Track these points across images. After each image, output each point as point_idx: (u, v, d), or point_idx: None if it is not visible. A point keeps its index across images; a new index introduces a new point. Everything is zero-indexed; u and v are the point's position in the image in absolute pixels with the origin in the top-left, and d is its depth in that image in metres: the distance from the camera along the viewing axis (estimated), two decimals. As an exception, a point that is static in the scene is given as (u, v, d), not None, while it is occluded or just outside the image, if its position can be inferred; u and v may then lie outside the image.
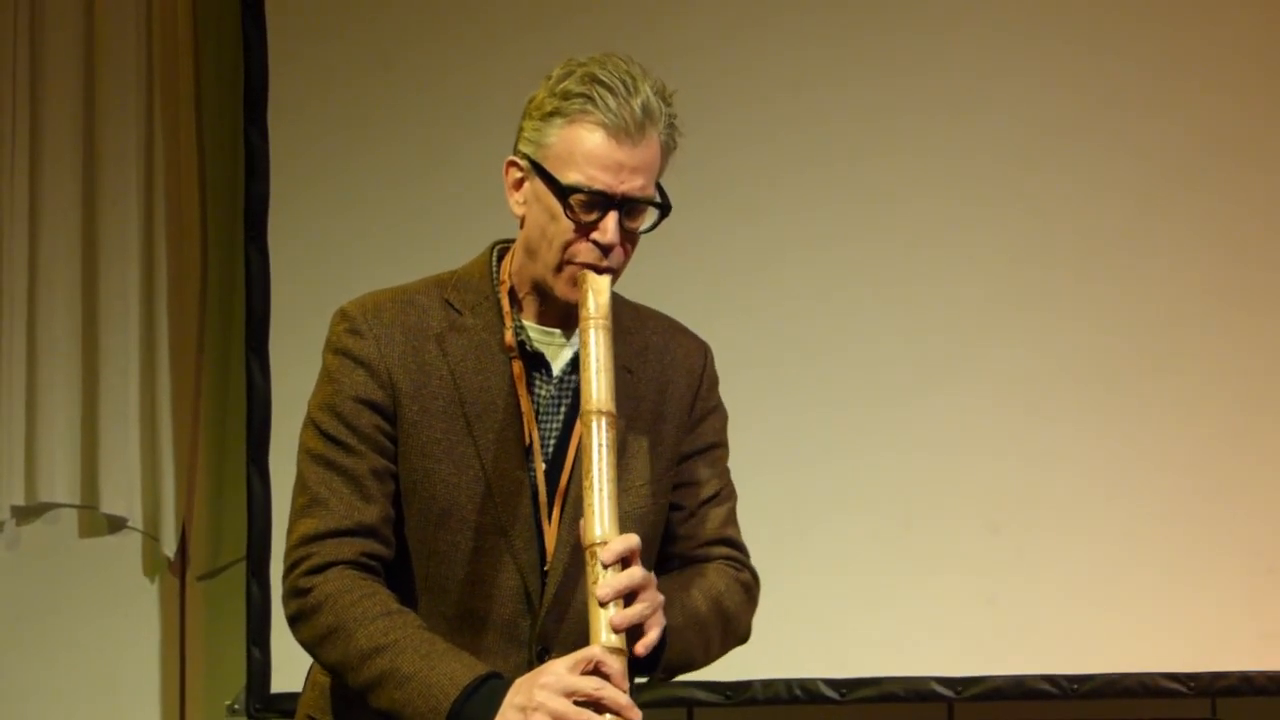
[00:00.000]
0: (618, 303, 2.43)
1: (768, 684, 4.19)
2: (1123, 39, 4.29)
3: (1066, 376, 4.25)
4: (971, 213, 4.28)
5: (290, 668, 4.15)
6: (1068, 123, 4.27)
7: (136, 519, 4.37)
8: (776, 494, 4.11)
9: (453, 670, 2.16)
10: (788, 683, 4.19)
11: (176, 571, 4.45)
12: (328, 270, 4.26)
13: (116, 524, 4.40)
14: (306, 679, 2.47)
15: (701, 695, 4.17)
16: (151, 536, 4.40)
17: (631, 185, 2.25)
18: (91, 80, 4.39)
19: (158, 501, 4.38)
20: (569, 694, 2.08)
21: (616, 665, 2.09)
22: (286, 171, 4.31)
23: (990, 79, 4.29)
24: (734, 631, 2.44)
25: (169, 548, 4.38)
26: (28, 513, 4.39)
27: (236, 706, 4.34)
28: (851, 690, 4.20)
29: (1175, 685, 4.17)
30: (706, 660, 2.40)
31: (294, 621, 2.29)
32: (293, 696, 4.12)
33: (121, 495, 4.36)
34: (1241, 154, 4.28)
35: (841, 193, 4.28)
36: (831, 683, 4.20)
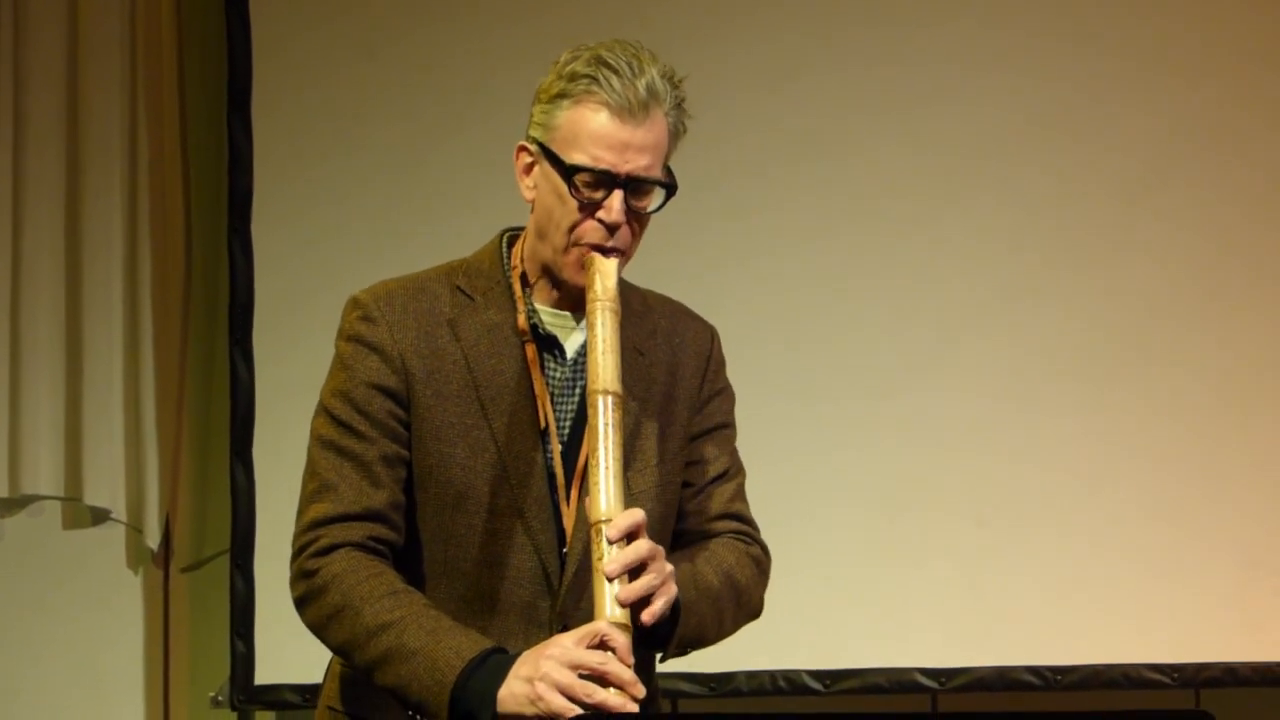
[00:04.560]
0: (626, 288, 2.44)
1: (752, 675, 4.19)
2: (1107, 33, 4.30)
3: (1052, 370, 4.26)
4: (957, 206, 4.28)
5: (274, 660, 4.17)
6: (1056, 117, 4.28)
7: (120, 511, 4.37)
8: (761, 486, 4.03)
9: (458, 644, 2.16)
10: (772, 674, 4.19)
11: (160, 564, 4.44)
12: (311, 263, 4.25)
13: (100, 516, 4.39)
14: (326, 671, 2.47)
15: (686, 687, 4.17)
16: (135, 529, 4.39)
17: (636, 164, 2.26)
18: (75, 73, 4.38)
19: (141, 494, 4.37)
20: (574, 667, 2.08)
21: (622, 640, 2.10)
22: (270, 164, 4.30)
23: (976, 73, 4.29)
24: (746, 605, 2.45)
25: (153, 540, 4.37)
26: (11, 504, 4.38)
27: (220, 698, 4.33)
28: (835, 681, 4.20)
29: (1159, 677, 4.18)
30: (720, 635, 2.41)
31: (301, 604, 2.29)
32: (275, 689, 4.18)
33: (105, 487, 4.35)
34: (1227, 148, 4.29)
35: (825, 187, 4.28)
36: (815, 674, 4.20)
